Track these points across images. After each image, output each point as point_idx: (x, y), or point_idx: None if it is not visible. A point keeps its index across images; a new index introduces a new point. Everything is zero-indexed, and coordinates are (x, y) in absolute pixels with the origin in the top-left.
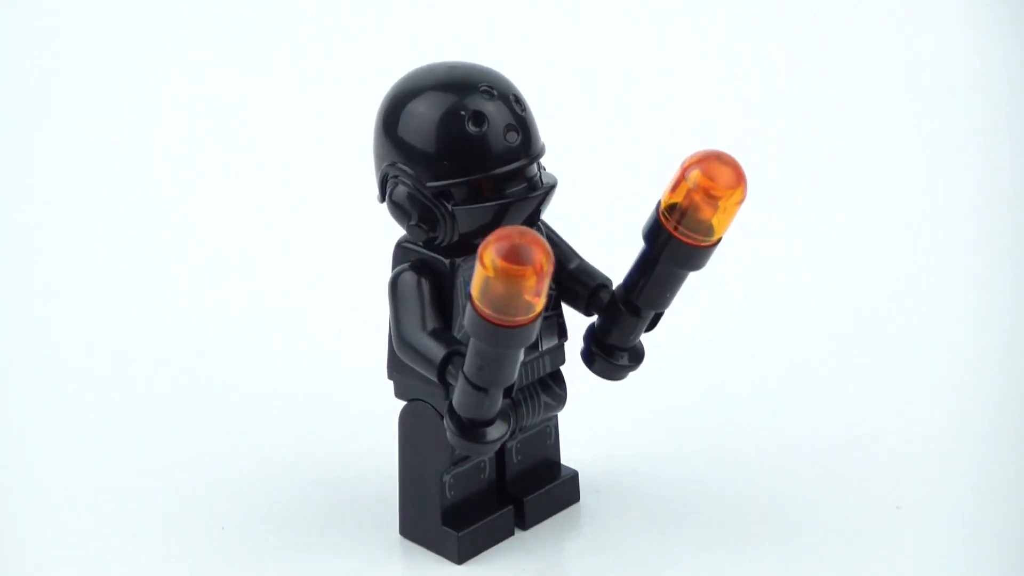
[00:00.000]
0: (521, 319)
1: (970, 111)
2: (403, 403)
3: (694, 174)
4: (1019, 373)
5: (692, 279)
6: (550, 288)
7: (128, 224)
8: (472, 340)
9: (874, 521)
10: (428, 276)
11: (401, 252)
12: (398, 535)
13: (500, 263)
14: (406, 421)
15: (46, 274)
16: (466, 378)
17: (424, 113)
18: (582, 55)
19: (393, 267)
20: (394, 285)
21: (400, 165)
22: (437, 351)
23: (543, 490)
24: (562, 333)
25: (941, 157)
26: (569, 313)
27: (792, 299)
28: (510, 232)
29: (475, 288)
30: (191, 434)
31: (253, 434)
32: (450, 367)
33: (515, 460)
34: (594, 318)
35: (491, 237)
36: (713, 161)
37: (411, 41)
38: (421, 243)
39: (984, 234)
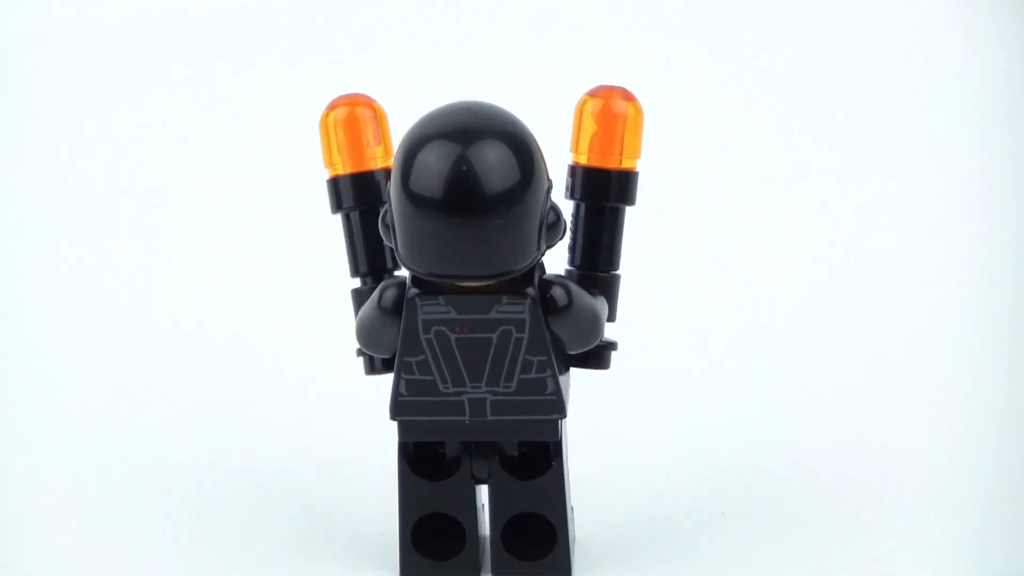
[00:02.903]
0: None
1: (974, 120)
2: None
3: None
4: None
5: (692, 289)
6: None
7: (123, 236)
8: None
9: (884, 537)
10: None
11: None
12: None
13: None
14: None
15: (34, 290)
16: None
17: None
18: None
19: (532, 308)
20: (584, 300)
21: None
22: None
23: None
24: None
25: (950, 165)
26: None
27: (794, 309)
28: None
29: (632, 147)
30: (190, 448)
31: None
32: None
33: None
34: None
35: (607, 94)
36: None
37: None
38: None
39: (990, 240)
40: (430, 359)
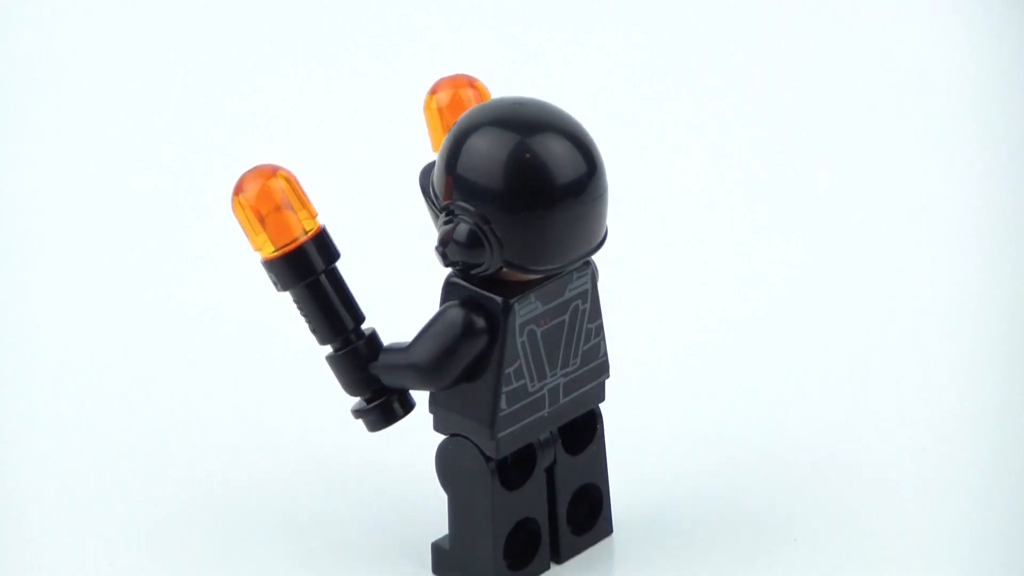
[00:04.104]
0: None
1: (971, 112)
2: None
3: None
4: (1021, 374)
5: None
6: None
7: (133, 229)
8: None
9: (885, 528)
10: None
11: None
12: None
13: None
14: None
15: (42, 289)
16: None
17: None
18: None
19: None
20: None
21: None
22: None
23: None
24: None
25: (943, 159)
26: None
27: (795, 309)
28: None
29: None
30: (206, 449)
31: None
32: None
33: None
34: None
35: (452, 85)
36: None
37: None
38: None
39: (985, 236)
40: (523, 362)
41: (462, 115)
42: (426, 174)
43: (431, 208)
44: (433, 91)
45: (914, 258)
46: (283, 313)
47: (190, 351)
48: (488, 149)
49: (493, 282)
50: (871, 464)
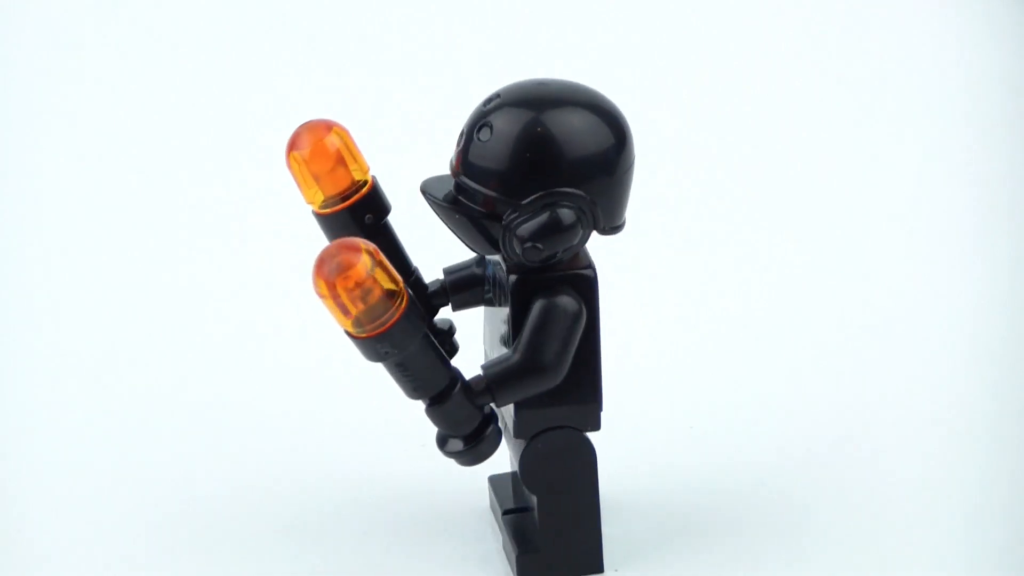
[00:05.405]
0: None
1: (970, 111)
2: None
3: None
4: (1020, 371)
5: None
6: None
7: (136, 231)
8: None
9: (888, 522)
10: None
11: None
12: None
13: None
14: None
15: (36, 293)
16: None
17: None
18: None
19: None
20: None
21: None
22: None
23: None
24: None
25: (942, 158)
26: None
27: (794, 306)
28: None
29: (358, 160)
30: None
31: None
32: None
33: None
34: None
35: (309, 137)
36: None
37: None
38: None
39: (984, 233)
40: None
41: (504, 118)
42: (437, 190)
43: (461, 220)
44: (292, 147)
45: (914, 257)
46: (287, 315)
47: (196, 353)
48: (577, 126)
49: (553, 265)
50: (866, 450)
